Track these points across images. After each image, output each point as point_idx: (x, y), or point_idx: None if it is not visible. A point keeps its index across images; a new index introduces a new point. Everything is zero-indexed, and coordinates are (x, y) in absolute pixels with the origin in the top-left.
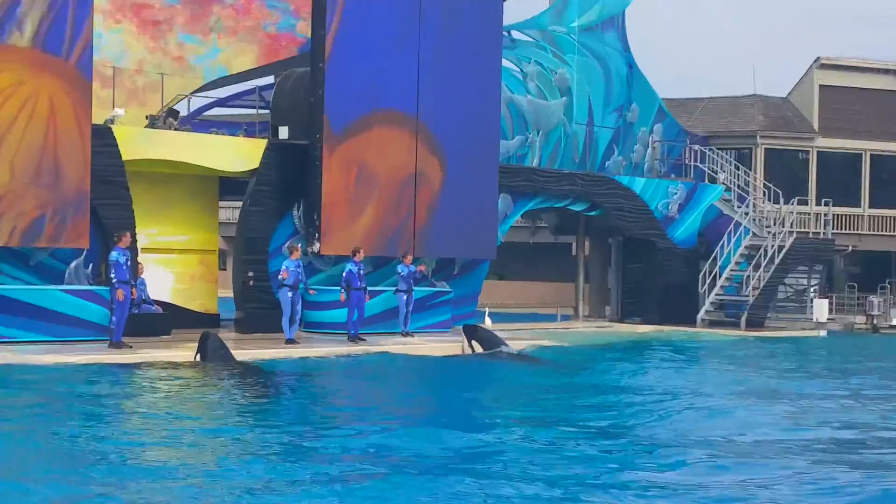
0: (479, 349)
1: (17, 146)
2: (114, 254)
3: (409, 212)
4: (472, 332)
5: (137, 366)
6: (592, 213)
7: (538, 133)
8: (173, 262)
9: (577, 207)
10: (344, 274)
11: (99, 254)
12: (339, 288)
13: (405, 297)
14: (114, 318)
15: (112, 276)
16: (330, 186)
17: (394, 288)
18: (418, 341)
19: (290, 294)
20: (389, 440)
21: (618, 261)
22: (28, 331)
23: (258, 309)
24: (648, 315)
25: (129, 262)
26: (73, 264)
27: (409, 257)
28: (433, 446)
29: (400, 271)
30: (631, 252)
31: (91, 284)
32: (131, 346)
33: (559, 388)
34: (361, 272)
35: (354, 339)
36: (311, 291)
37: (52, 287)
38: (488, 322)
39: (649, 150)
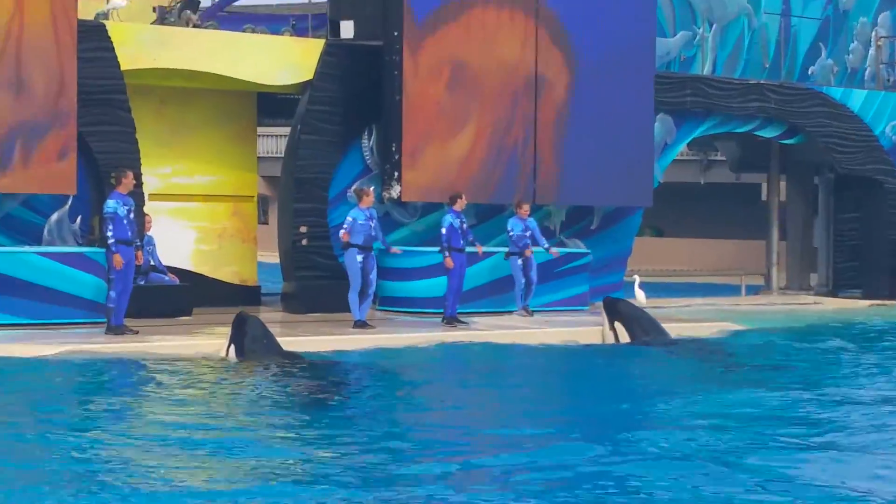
0: (624, 337)
1: None
2: (111, 202)
3: (527, 137)
4: (616, 311)
5: (143, 361)
6: (790, 141)
7: (711, 27)
8: (194, 214)
9: (767, 133)
10: (444, 229)
11: (91, 202)
12: (430, 249)
13: (520, 263)
14: (112, 293)
15: (108, 233)
16: (414, 103)
17: (504, 249)
18: (540, 322)
19: (359, 258)
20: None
21: (828, 209)
22: None
23: (314, 279)
24: (873, 286)
25: (131, 214)
26: (54, 217)
27: (526, 206)
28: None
29: (511, 229)
30: (847, 196)
31: (80, 245)
32: (136, 332)
33: (746, 402)
34: (465, 226)
35: (451, 320)
36: (393, 251)
37: (27, 249)
38: (640, 295)
39: (872, 50)
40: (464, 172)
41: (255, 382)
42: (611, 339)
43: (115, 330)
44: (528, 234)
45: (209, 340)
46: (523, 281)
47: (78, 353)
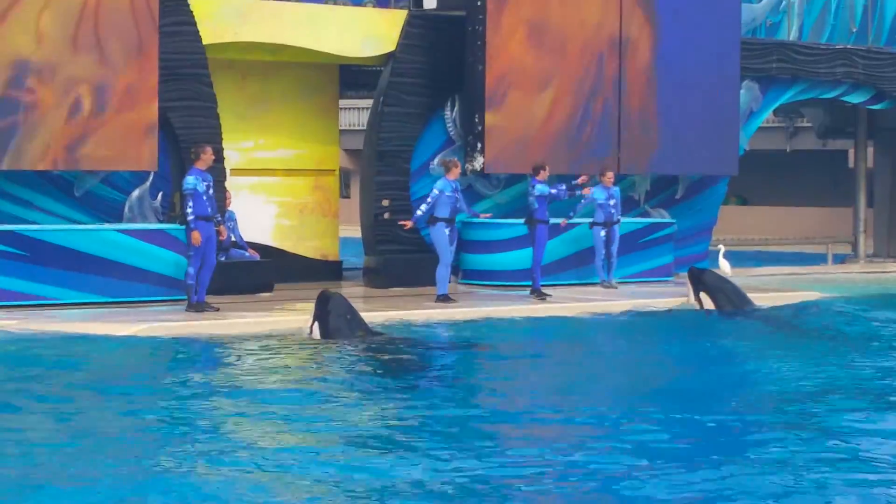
0: (709, 306)
1: (41, 18)
2: (189, 178)
3: (612, 105)
4: (701, 281)
5: (225, 340)
6: (878, 107)
7: None
8: (276, 189)
9: (855, 99)
10: (534, 196)
11: (172, 179)
12: (514, 221)
13: (602, 235)
14: (190, 269)
15: (188, 209)
16: (497, 74)
17: (589, 221)
18: (626, 293)
19: (447, 231)
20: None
21: None
22: (73, 288)
23: (396, 252)
24: None
25: (211, 190)
26: (134, 194)
27: (610, 174)
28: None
29: (534, 194)
30: None
31: (161, 221)
32: (217, 309)
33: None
34: (557, 191)
35: (537, 293)
36: (482, 217)
37: (107, 226)
38: (725, 265)
39: None
40: (547, 142)
41: (345, 365)
42: (696, 306)
43: (196, 307)
44: (612, 202)
45: (290, 317)
46: (604, 252)
47: (157, 332)
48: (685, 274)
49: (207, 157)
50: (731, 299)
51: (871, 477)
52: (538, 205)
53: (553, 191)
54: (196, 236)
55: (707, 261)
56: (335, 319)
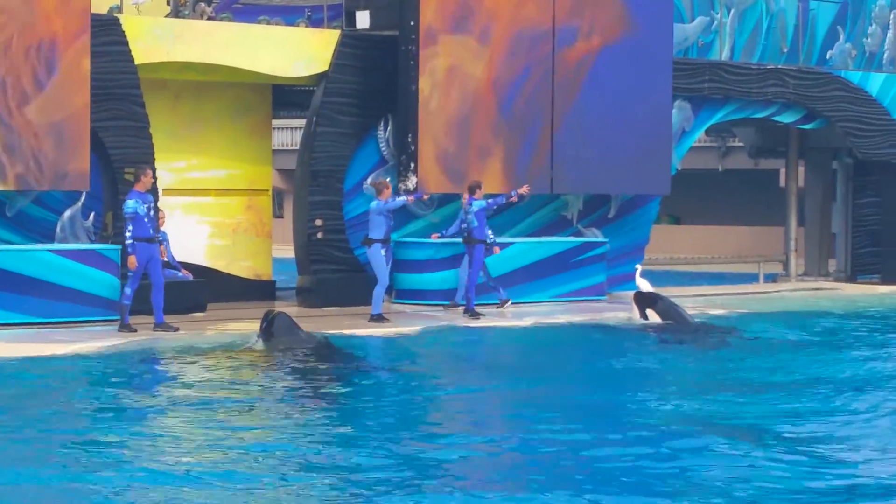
0: (655, 319)
1: None
2: (130, 202)
3: (544, 126)
4: (646, 301)
5: (163, 354)
6: (808, 126)
7: (728, 12)
8: (208, 209)
9: (786, 118)
10: (472, 215)
11: (104, 198)
12: (445, 238)
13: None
14: (127, 290)
15: (127, 233)
16: (430, 94)
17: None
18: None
19: (382, 251)
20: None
21: (846, 194)
22: (4, 308)
23: (330, 272)
24: (892, 271)
25: (151, 211)
26: (66, 214)
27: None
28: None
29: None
30: (865, 181)
31: (93, 241)
32: (177, 329)
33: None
34: (486, 208)
35: (471, 312)
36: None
37: (39, 247)
38: (643, 283)
39: (891, 33)
40: (480, 163)
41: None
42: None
43: (128, 328)
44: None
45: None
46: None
47: (91, 351)
48: (617, 293)
49: (147, 179)
50: (672, 317)
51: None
52: (477, 223)
53: (489, 201)
54: (132, 260)
55: (640, 265)
56: (278, 333)
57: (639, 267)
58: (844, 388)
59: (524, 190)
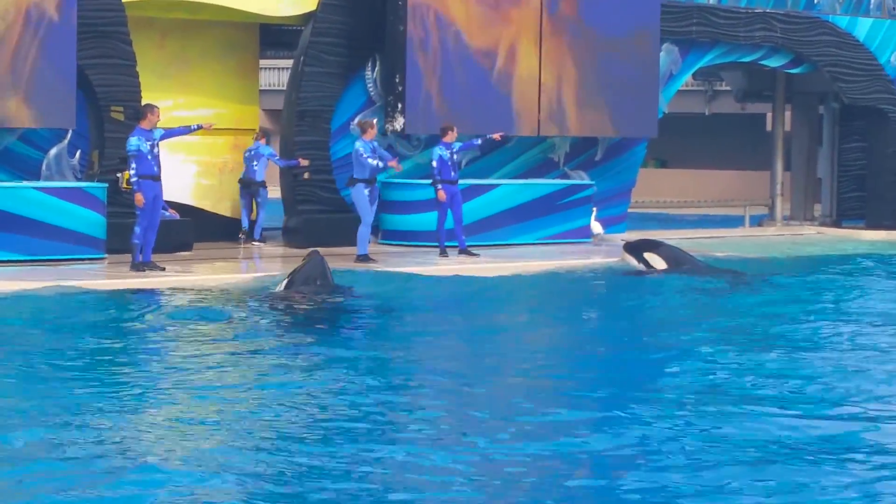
0: (659, 265)
1: None
2: (133, 140)
3: (532, 68)
4: (651, 249)
5: (151, 293)
6: (795, 71)
7: None
8: (195, 148)
9: (773, 62)
10: (434, 162)
11: (90, 136)
12: (426, 182)
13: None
14: (137, 229)
15: (132, 170)
16: (418, 34)
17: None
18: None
19: (366, 191)
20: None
21: (832, 139)
22: None
23: (316, 213)
24: (876, 216)
25: (156, 149)
26: (52, 152)
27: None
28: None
29: (433, 158)
30: (852, 126)
31: (79, 179)
32: (164, 268)
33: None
34: (455, 157)
35: (464, 251)
36: (396, 165)
37: (25, 184)
38: (597, 227)
39: None
40: (468, 104)
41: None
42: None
43: (140, 266)
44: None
45: (218, 275)
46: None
47: (75, 288)
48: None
49: (153, 117)
50: (680, 258)
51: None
52: (441, 167)
53: (455, 157)
54: (139, 198)
55: (626, 223)
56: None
57: (594, 209)
58: None
59: (497, 136)
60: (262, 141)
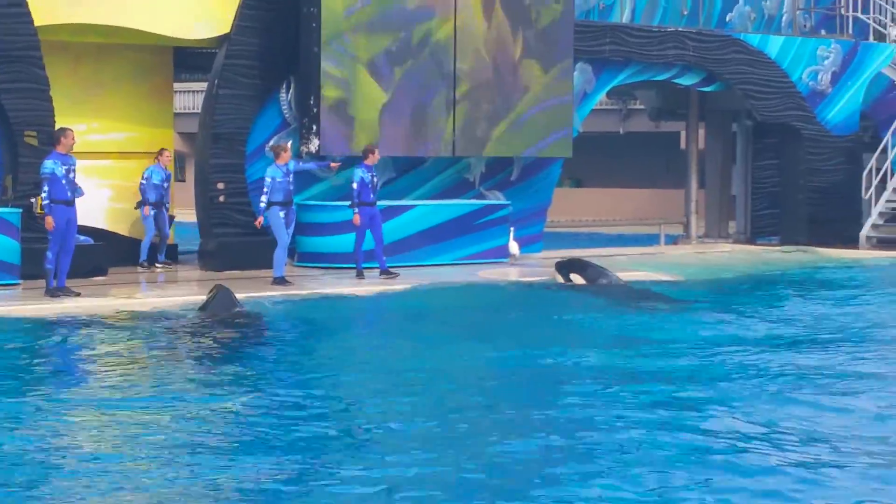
0: (580, 281)
1: None
2: (48, 163)
3: (447, 89)
4: (572, 264)
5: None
6: (709, 89)
7: None
8: (108, 172)
9: (686, 81)
10: (355, 184)
11: (4, 161)
12: (346, 203)
13: (282, 214)
14: (49, 254)
15: (43, 194)
16: (333, 56)
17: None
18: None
19: (281, 214)
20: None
21: (745, 157)
22: None
23: (232, 236)
24: (790, 233)
25: (71, 174)
26: None
27: (375, 154)
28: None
29: (354, 180)
30: (765, 143)
31: None
32: (79, 294)
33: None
34: (375, 180)
35: (384, 272)
36: (333, 165)
37: None
38: (514, 247)
39: None
40: (383, 125)
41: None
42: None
43: (55, 291)
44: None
45: (122, 300)
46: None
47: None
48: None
49: (68, 140)
50: (602, 278)
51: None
52: (361, 189)
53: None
54: (49, 221)
55: (542, 242)
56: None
57: (512, 229)
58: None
59: (334, 165)
60: (161, 162)
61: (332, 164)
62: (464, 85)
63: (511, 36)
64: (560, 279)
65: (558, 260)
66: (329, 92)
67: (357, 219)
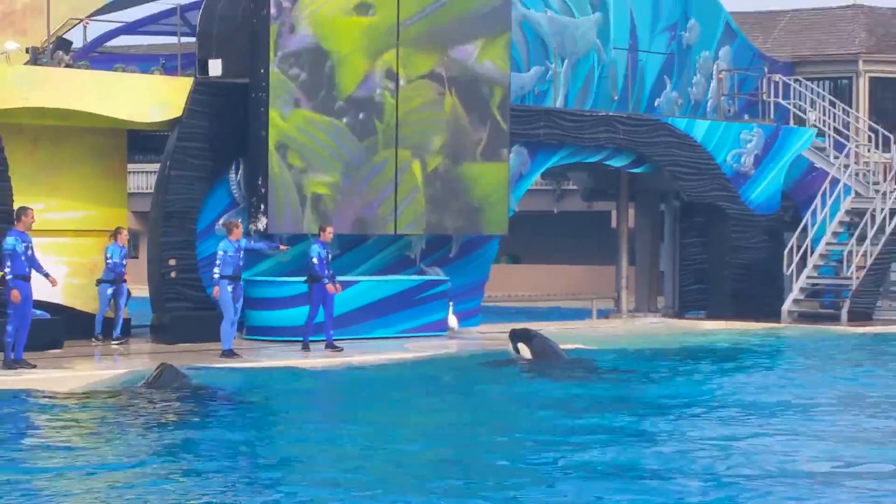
0: (526, 354)
1: None
2: (9, 239)
3: (389, 169)
4: (525, 336)
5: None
6: (638, 170)
7: (563, 62)
8: (64, 249)
9: (616, 163)
10: (314, 259)
11: None
12: (296, 279)
13: (230, 288)
14: (9, 328)
15: (6, 269)
16: (279, 138)
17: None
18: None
19: (230, 288)
20: None
21: (673, 235)
22: None
23: (184, 311)
24: (716, 307)
25: (30, 251)
26: None
27: (329, 230)
28: None
29: (312, 255)
30: (691, 222)
31: None
32: (34, 366)
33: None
34: (329, 256)
35: (330, 346)
36: (282, 248)
37: None
38: (452, 321)
39: (714, 83)
40: (328, 204)
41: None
42: (515, 357)
43: (12, 364)
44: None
45: (76, 373)
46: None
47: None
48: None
49: (28, 219)
50: (545, 350)
51: None
52: (317, 262)
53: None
54: (15, 294)
55: (480, 316)
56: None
57: (451, 304)
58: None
59: (283, 248)
60: (118, 241)
61: (282, 247)
62: (406, 166)
63: (454, 120)
64: (510, 347)
65: (512, 329)
66: (276, 172)
67: (331, 288)
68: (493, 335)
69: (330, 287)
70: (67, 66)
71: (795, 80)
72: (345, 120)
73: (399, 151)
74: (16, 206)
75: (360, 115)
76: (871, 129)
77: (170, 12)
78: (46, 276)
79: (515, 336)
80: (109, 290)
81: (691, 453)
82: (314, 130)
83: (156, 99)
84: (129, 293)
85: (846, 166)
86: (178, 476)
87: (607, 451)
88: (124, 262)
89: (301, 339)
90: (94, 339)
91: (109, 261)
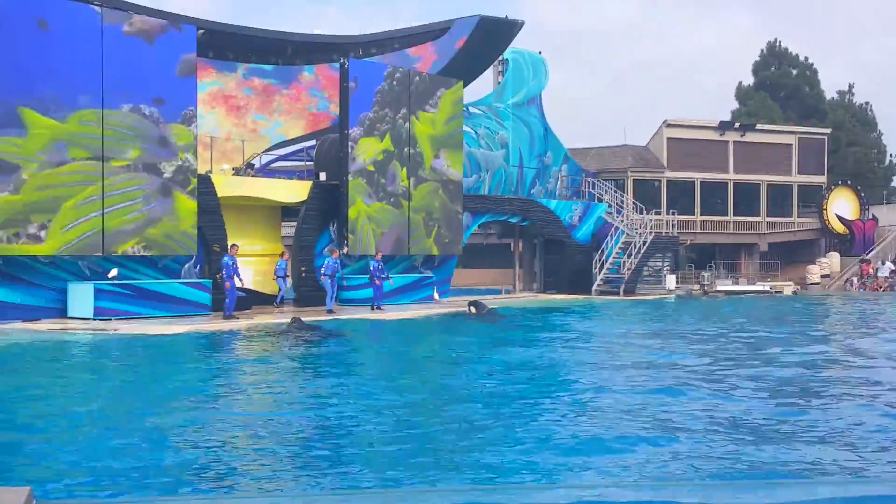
0: (475, 311)
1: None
2: (227, 259)
3: (406, 219)
4: (475, 303)
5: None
6: (524, 224)
7: (487, 172)
8: (252, 262)
9: (514, 220)
10: (371, 267)
11: (203, 258)
12: (364, 277)
13: (377, 284)
14: (227, 301)
15: (223, 272)
16: (352, 210)
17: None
18: (415, 308)
19: (329, 281)
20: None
21: (540, 254)
22: (156, 310)
23: (309, 291)
24: (560, 288)
25: (235, 265)
26: (185, 266)
27: (378, 254)
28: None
29: (370, 265)
30: (549, 248)
31: (197, 278)
32: (238, 318)
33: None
34: (381, 265)
35: (377, 309)
36: (343, 282)
37: (173, 280)
38: (436, 295)
39: (559, 182)
40: (379, 240)
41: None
42: (471, 311)
43: (228, 318)
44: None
45: (270, 319)
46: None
47: (216, 329)
48: (439, 299)
49: (234, 249)
50: (484, 308)
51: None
52: (375, 270)
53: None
54: (228, 285)
55: (448, 294)
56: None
57: (435, 288)
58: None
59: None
60: (284, 258)
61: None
62: (414, 218)
63: (441, 199)
64: (467, 308)
65: (468, 300)
66: (351, 227)
67: (382, 282)
68: (456, 303)
69: (377, 282)
70: (252, 176)
71: (598, 180)
72: (385, 202)
73: (412, 215)
74: (229, 243)
75: (392, 199)
76: (633, 203)
77: (301, 150)
78: (240, 278)
79: (470, 303)
80: (280, 282)
81: (544, 355)
82: (371, 208)
83: (294, 192)
84: (287, 284)
85: (622, 221)
86: (310, 364)
87: (507, 353)
88: (285, 268)
89: (369, 304)
90: (274, 306)
91: (279, 269)
